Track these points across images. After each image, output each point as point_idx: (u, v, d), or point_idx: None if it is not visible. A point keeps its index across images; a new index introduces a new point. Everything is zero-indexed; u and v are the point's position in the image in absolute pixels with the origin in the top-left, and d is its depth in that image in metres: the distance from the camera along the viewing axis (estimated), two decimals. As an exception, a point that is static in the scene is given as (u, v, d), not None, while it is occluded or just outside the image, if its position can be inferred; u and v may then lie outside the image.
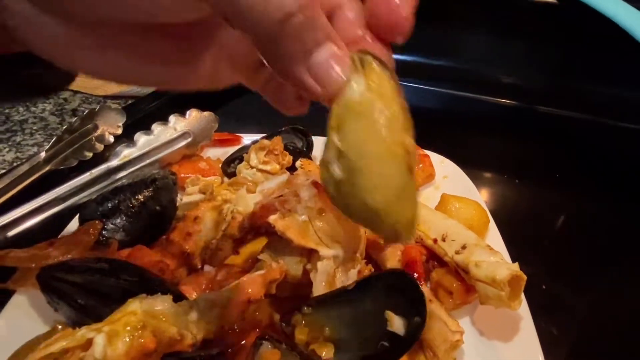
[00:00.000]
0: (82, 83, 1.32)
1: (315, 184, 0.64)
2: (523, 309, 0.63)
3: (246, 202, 0.64)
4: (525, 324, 0.61)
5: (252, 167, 0.74)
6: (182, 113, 0.86)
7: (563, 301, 0.75)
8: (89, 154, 0.92)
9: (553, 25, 1.24)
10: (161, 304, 0.46)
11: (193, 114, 0.85)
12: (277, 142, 0.76)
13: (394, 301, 0.53)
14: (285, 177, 0.65)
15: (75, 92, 1.27)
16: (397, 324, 0.50)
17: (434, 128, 1.15)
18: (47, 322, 0.55)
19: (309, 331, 0.57)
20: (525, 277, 0.57)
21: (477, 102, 1.28)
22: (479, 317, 0.64)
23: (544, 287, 0.74)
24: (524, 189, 1.01)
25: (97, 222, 0.60)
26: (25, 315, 0.55)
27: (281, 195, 0.61)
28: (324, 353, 0.54)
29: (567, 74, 1.28)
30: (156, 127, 0.81)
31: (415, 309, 0.51)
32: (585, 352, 0.66)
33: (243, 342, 0.61)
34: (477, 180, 0.89)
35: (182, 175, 0.81)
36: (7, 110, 1.16)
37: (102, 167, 0.73)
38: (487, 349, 0.60)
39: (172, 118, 0.83)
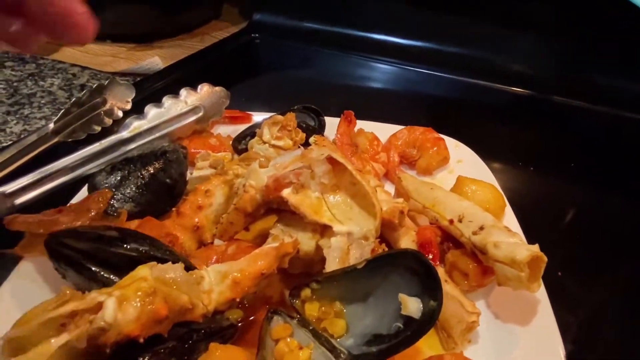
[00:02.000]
0: (91, 59, 1.31)
1: (330, 159, 0.62)
2: (540, 292, 0.61)
3: (259, 176, 0.62)
4: (542, 307, 0.60)
5: (264, 143, 0.72)
6: (194, 87, 0.84)
7: (578, 288, 0.73)
8: (98, 128, 0.90)
9: (569, 15, 1.22)
10: (173, 271, 0.44)
11: (204, 89, 0.83)
12: (291, 118, 0.74)
13: (407, 283, 0.51)
14: (299, 151, 0.63)
15: (84, 68, 1.26)
16: (411, 307, 0.49)
17: (449, 115, 1.14)
18: (54, 290, 0.54)
19: (319, 306, 0.56)
20: (545, 259, 0.55)
21: (492, 91, 1.26)
22: (494, 300, 0.63)
23: (559, 273, 0.72)
24: (538, 177, 0.98)
25: (106, 190, 0.59)
26: (32, 282, 0.54)
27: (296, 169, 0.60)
28: (336, 329, 0.52)
29: (583, 65, 1.25)
30: (167, 100, 0.79)
31: (430, 292, 0.49)
32: (602, 339, 0.65)
33: (252, 318, 0.60)
34: (492, 167, 0.87)
35: (192, 150, 0.80)
36: (15, 84, 1.15)
37: (112, 138, 0.72)
38: (503, 332, 0.58)
39: (184, 92, 0.82)
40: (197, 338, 0.48)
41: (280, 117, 0.74)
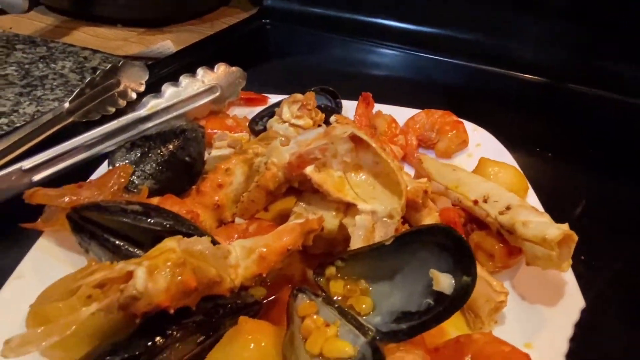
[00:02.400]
0: (102, 43, 1.29)
1: (352, 137, 0.61)
2: (567, 273, 0.60)
3: (281, 154, 0.61)
4: (570, 288, 0.58)
5: (284, 122, 0.71)
6: (211, 66, 0.82)
7: (601, 272, 0.72)
8: (112, 109, 0.89)
9: (586, 1, 1.20)
10: (200, 244, 0.43)
11: (221, 68, 0.82)
12: (310, 96, 0.72)
13: (437, 259, 0.50)
14: (322, 129, 0.62)
15: (95, 51, 1.24)
16: (443, 283, 0.47)
17: (463, 101, 1.12)
18: (75, 264, 0.53)
19: (345, 284, 0.55)
20: (576, 238, 0.54)
21: (507, 78, 1.25)
22: (519, 281, 0.62)
23: (582, 257, 0.71)
24: (557, 163, 0.97)
25: (127, 165, 0.58)
26: (53, 257, 0.54)
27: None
28: (363, 306, 0.51)
29: (598, 53, 1.23)
30: (184, 79, 0.78)
31: (463, 267, 0.47)
32: (631, 322, 0.63)
33: (273, 297, 0.59)
34: (510, 152, 0.85)
35: (209, 131, 0.79)
36: (26, 66, 1.14)
37: (130, 116, 0.71)
38: (530, 313, 0.57)
39: (200, 71, 0.80)
40: (223, 313, 0.47)
41: (300, 95, 0.73)
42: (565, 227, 0.54)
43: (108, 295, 0.36)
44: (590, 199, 0.88)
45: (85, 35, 1.32)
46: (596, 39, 1.22)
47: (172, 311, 0.39)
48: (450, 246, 0.48)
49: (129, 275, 0.37)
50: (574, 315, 0.55)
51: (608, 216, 0.83)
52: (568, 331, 0.54)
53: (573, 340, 0.54)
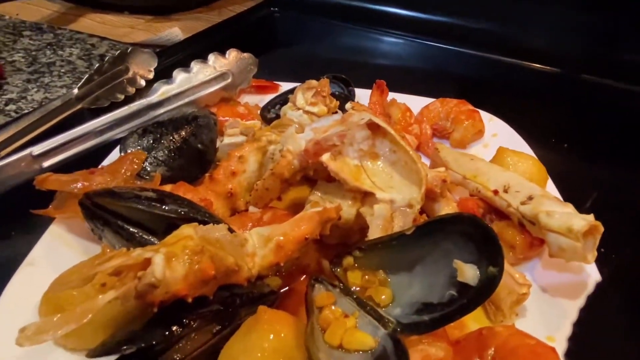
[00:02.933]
0: (109, 30, 1.27)
1: (370, 125, 0.59)
2: (590, 266, 0.58)
3: (296, 141, 0.59)
4: (593, 282, 0.57)
5: (298, 109, 0.69)
6: (222, 52, 0.81)
7: (621, 264, 0.70)
8: (121, 96, 0.88)
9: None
10: (217, 232, 0.42)
11: (233, 54, 0.80)
12: (325, 83, 0.71)
13: (461, 249, 0.48)
14: (338, 116, 0.60)
15: (103, 38, 1.23)
16: (468, 273, 0.46)
17: (477, 92, 1.10)
18: (87, 252, 0.52)
19: (362, 275, 0.53)
20: (602, 229, 0.52)
21: (521, 69, 1.22)
22: (540, 274, 0.60)
23: (602, 250, 0.69)
24: (574, 154, 0.95)
25: (140, 151, 0.56)
26: (64, 244, 0.52)
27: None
28: (382, 297, 0.50)
29: (612, 43, 1.21)
30: (195, 65, 0.76)
31: (489, 258, 0.45)
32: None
33: (287, 288, 0.58)
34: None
35: (220, 118, 0.77)
36: (34, 52, 1.12)
37: (141, 102, 0.69)
38: (552, 306, 0.56)
39: (212, 57, 0.79)
40: (240, 303, 0.46)
41: (314, 82, 0.71)
42: (590, 217, 0.53)
43: (124, 283, 0.35)
44: (608, 191, 0.86)
45: (92, 22, 1.31)
46: (611, 29, 1.20)
47: (190, 300, 0.38)
48: (475, 236, 0.46)
49: (147, 263, 0.36)
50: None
51: (626, 208, 0.81)
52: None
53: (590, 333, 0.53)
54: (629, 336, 0.58)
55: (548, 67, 1.21)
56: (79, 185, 0.50)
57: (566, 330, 0.53)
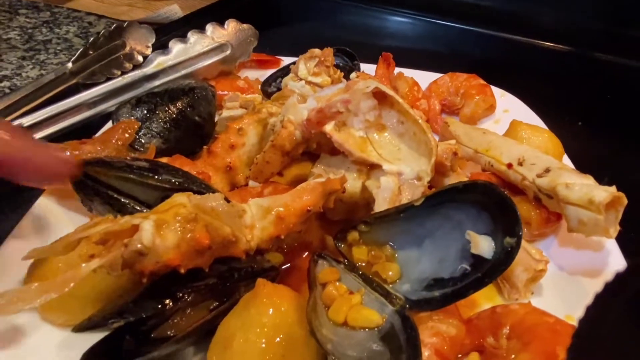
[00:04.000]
0: (107, 8, 1.24)
1: (376, 94, 0.56)
2: (610, 242, 0.55)
3: (298, 111, 0.56)
4: (614, 258, 0.54)
5: (300, 80, 0.66)
6: (221, 23, 0.77)
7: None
8: (117, 72, 0.84)
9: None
10: (213, 200, 0.39)
11: (232, 25, 0.76)
12: (329, 52, 0.67)
13: (475, 219, 0.45)
14: (342, 84, 0.57)
15: (100, 16, 1.19)
16: (483, 245, 0.42)
17: (490, 70, 1.05)
18: (75, 224, 0.49)
19: (368, 250, 0.50)
20: (626, 200, 0.49)
21: (533, 48, 1.18)
22: (557, 251, 0.57)
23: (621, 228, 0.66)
24: (588, 132, 0.91)
25: (133, 120, 0.53)
26: (53, 216, 0.50)
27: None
28: (390, 273, 0.47)
29: (626, 21, 1.16)
30: (192, 35, 0.73)
31: (505, 228, 0.42)
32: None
33: (289, 265, 0.55)
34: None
35: (219, 92, 0.74)
36: (29, 30, 1.09)
37: (135, 73, 0.66)
38: (569, 284, 0.53)
39: (210, 27, 0.75)
40: (238, 277, 0.43)
41: (317, 50, 0.67)
42: (613, 189, 0.49)
43: (111, 251, 0.32)
44: (623, 169, 0.82)
45: (90, 1, 1.27)
46: (624, 6, 1.15)
47: (183, 271, 0.35)
48: (490, 205, 0.43)
49: (135, 230, 0.33)
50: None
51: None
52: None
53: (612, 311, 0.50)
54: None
55: (560, 46, 1.17)
56: (68, 154, 0.47)
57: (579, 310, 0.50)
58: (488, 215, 0.43)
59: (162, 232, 0.33)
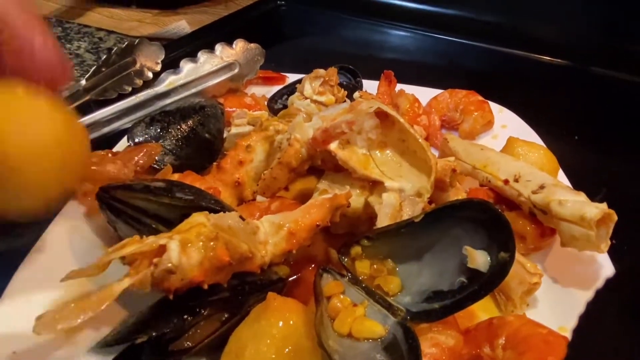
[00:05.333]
0: (117, 24, 1.28)
1: (378, 114, 0.59)
2: (602, 255, 0.58)
3: (304, 130, 0.59)
4: (606, 272, 0.56)
5: (305, 98, 0.69)
6: (229, 43, 0.80)
7: (634, 256, 0.69)
8: (128, 88, 0.88)
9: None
10: (229, 219, 0.42)
11: (240, 45, 0.80)
12: (333, 72, 0.70)
13: (472, 235, 0.47)
14: (346, 104, 0.60)
15: (110, 32, 1.23)
16: (479, 260, 0.45)
17: (486, 85, 1.09)
18: (95, 238, 0.52)
19: (371, 264, 0.53)
20: (616, 217, 0.51)
21: (530, 61, 1.21)
22: (551, 264, 0.60)
23: (614, 241, 0.69)
24: (584, 146, 0.94)
25: (157, 145, 0.56)
26: (73, 231, 0.52)
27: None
28: (391, 286, 0.50)
29: (622, 35, 1.19)
30: (202, 55, 0.76)
31: (500, 243, 0.45)
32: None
33: (295, 277, 0.58)
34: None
35: (227, 109, 0.77)
36: (41, 46, 1.13)
37: (148, 92, 0.69)
38: (563, 296, 0.55)
39: (219, 47, 0.78)
40: (249, 290, 0.46)
41: (322, 71, 0.70)
42: (603, 206, 0.52)
43: (139, 270, 0.35)
44: (619, 183, 0.85)
45: (100, 16, 1.31)
46: (621, 21, 1.18)
47: (205, 287, 0.38)
48: (485, 221, 0.46)
49: (161, 249, 0.36)
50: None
51: (637, 200, 0.80)
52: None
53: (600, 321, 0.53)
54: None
55: (558, 60, 1.20)
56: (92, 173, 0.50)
57: (572, 321, 0.52)
58: (484, 231, 0.46)
59: (187, 251, 0.36)
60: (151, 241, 0.36)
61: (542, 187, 0.57)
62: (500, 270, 0.43)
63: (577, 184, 0.71)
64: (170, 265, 0.34)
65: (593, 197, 0.75)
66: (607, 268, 0.57)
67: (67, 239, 0.50)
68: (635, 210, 0.76)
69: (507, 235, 0.44)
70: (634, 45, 1.16)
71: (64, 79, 0.42)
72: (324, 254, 0.61)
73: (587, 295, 0.54)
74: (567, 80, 1.17)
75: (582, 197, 0.54)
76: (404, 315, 0.46)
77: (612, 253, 0.61)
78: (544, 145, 0.75)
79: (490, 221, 0.46)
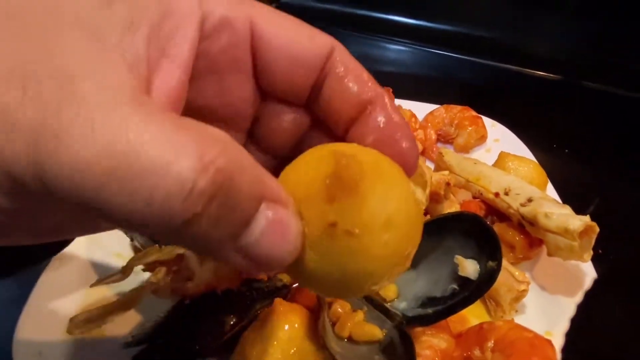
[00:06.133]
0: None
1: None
2: (587, 265, 0.61)
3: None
4: (590, 280, 0.60)
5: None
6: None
7: (618, 265, 0.73)
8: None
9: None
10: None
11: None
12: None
13: (463, 245, 0.51)
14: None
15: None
16: (469, 268, 0.49)
17: (479, 99, 1.13)
18: (113, 247, 0.55)
19: None
20: (597, 229, 0.55)
21: (523, 76, 1.25)
22: (539, 272, 0.63)
23: (600, 251, 0.72)
24: (574, 159, 0.98)
25: None
26: (92, 242, 0.56)
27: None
28: (388, 293, 0.53)
29: (614, 50, 1.24)
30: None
31: (488, 253, 0.48)
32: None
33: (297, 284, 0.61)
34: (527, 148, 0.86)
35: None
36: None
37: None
38: (550, 303, 0.59)
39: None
40: (257, 296, 0.49)
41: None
42: (586, 218, 0.56)
43: (159, 277, 0.38)
44: (607, 195, 0.89)
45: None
46: (613, 36, 1.22)
47: (219, 292, 0.42)
48: (475, 233, 0.49)
49: (179, 258, 0.39)
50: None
51: (625, 211, 0.83)
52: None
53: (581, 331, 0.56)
54: (625, 330, 0.60)
55: (551, 75, 1.24)
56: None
57: (564, 325, 0.56)
58: (474, 242, 0.49)
59: (202, 259, 0.40)
60: (169, 250, 0.39)
61: (530, 200, 0.61)
62: (488, 277, 0.47)
63: (566, 196, 0.75)
64: (189, 273, 0.38)
65: (583, 209, 0.79)
66: (590, 276, 0.60)
67: (87, 249, 0.54)
68: (621, 222, 0.81)
69: (495, 246, 0.48)
70: (625, 60, 1.21)
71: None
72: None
73: (572, 302, 0.58)
74: (559, 95, 1.21)
75: (567, 210, 0.58)
76: (401, 320, 0.50)
77: (598, 262, 0.66)
78: (534, 159, 0.80)
79: (480, 233, 0.50)
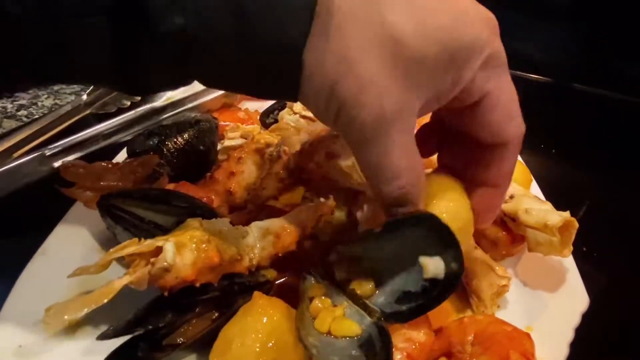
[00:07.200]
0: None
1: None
2: (568, 261, 0.62)
3: (292, 143, 0.64)
4: (571, 275, 0.61)
5: (295, 113, 0.73)
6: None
7: (602, 263, 0.74)
8: (127, 102, 0.92)
9: (591, 2, 1.22)
10: (220, 224, 0.46)
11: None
12: (321, 90, 0.75)
13: (426, 244, 0.48)
14: (332, 119, 0.64)
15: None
16: (432, 269, 0.47)
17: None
18: (95, 241, 0.56)
19: (348, 267, 0.56)
20: (577, 225, 0.56)
21: (514, 78, 1.26)
22: (521, 269, 0.64)
23: (584, 249, 0.73)
24: (561, 159, 0.99)
25: (154, 156, 0.60)
26: (75, 235, 0.56)
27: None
28: (367, 288, 0.53)
29: (603, 52, 1.25)
30: (198, 72, 0.81)
31: (450, 253, 0.46)
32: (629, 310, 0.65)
33: (281, 280, 0.61)
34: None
35: (221, 123, 0.81)
36: (43, 60, 1.17)
37: (146, 107, 0.74)
38: (531, 298, 0.59)
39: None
40: (238, 290, 0.50)
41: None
42: (566, 214, 0.56)
43: (136, 269, 0.39)
44: (593, 196, 0.90)
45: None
46: (601, 39, 1.24)
47: (198, 285, 0.42)
48: (436, 232, 0.47)
49: (158, 250, 0.40)
50: (577, 303, 0.57)
51: (610, 212, 0.84)
52: (570, 317, 0.56)
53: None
54: (610, 325, 0.61)
55: (540, 77, 1.26)
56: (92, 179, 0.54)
57: (575, 320, 0.55)
58: (438, 242, 0.47)
59: (181, 251, 0.40)
60: (149, 243, 0.40)
61: (511, 197, 0.62)
62: (452, 280, 0.45)
63: (553, 195, 0.76)
64: (165, 264, 0.38)
65: (569, 208, 0.80)
66: (572, 273, 0.61)
67: (69, 243, 0.54)
68: (606, 221, 0.82)
69: (454, 246, 0.45)
70: (615, 63, 1.22)
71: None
72: (308, 259, 0.65)
73: (553, 297, 0.59)
74: (548, 97, 1.23)
75: (547, 206, 0.59)
76: (379, 316, 0.50)
77: (583, 260, 0.66)
78: (520, 159, 0.80)
79: (441, 232, 0.47)
